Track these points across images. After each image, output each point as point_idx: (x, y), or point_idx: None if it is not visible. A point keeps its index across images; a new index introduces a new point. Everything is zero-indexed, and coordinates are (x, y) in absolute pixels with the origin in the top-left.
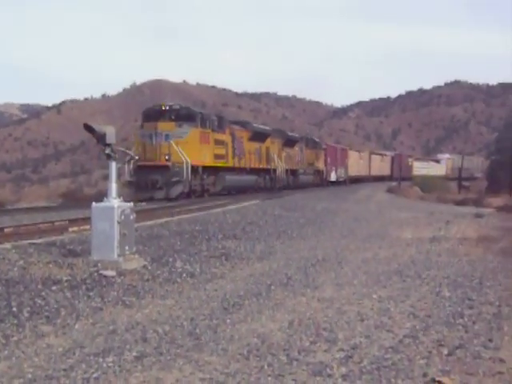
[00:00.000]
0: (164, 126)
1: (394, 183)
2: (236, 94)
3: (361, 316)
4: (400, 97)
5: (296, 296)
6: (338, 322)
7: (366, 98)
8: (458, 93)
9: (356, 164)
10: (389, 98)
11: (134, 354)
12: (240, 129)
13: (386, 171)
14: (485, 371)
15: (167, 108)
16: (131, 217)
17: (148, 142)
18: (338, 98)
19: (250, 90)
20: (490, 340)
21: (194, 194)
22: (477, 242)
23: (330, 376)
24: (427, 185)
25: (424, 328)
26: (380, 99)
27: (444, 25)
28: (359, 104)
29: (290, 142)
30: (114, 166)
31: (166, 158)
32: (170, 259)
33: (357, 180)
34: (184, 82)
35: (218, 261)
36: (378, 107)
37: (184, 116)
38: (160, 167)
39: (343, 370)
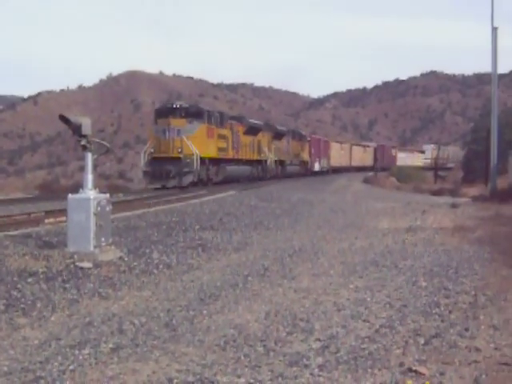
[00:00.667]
0: (176, 122)
1: (370, 173)
2: (212, 84)
3: (337, 306)
4: (376, 87)
5: (273, 287)
6: (315, 312)
7: (343, 89)
8: (433, 83)
9: (338, 155)
10: (365, 88)
11: (111, 345)
12: (237, 123)
13: (369, 162)
14: (461, 360)
15: (178, 106)
16: (107, 208)
17: (162, 137)
18: (315, 89)
19: (227, 80)
20: (466, 329)
21: (201, 182)
22: (453, 232)
23: (306, 366)
24: (403, 175)
25: (400, 318)
26: (356, 90)
27: (420, 16)
28: (336, 95)
29: (278, 135)
30: (89, 157)
31: (179, 150)
32: (147, 250)
33: (338, 170)
34: (160, 72)
35: (195, 252)
36: (354, 98)
37: (193, 113)
38: (173, 159)
39: (320, 360)
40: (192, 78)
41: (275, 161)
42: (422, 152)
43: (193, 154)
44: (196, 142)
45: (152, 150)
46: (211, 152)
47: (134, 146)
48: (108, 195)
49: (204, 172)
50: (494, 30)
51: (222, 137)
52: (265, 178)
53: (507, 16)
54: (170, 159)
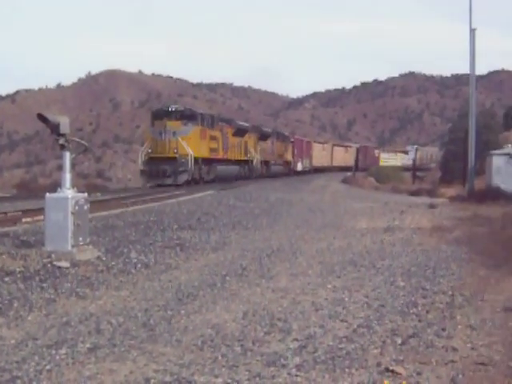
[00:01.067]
0: (172, 125)
1: (349, 173)
2: (192, 84)
3: (315, 306)
4: (355, 88)
5: (251, 286)
6: (293, 312)
7: (322, 89)
8: (412, 84)
9: (320, 155)
10: (344, 88)
11: (88, 345)
12: (226, 125)
13: (351, 162)
14: (438, 360)
15: (174, 109)
16: (85, 207)
17: (158, 138)
18: (294, 89)
19: (206, 80)
20: (443, 329)
21: (194, 181)
22: (430, 232)
23: (284, 366)
24: (382, 175)
25: (378, 317)
26: (335, 90)
27: (399, 17)
28: (315, 95)
29: (263, 137)
30: (67, 156)
31: (174, 151)
32: (125, 250)
33: (320, 170)
34: (139, 72)
35: (173, 251)
36: (333, 98)
37: (188, 116)
38: (169, 159)
39: (297, 360)
40: (171, 77)
41: (261, 161)
42: (406, 153)
43: (187, 154)
44: (190, 143)
45: (149, 150)
46: (204, 152)
47: (113, 145)
48: (86, 194)
49: (197, 171)
50: (472, 31)
51: (213, 138)
52: (251, 177)
53: (486, 18)
54: (166, 159)
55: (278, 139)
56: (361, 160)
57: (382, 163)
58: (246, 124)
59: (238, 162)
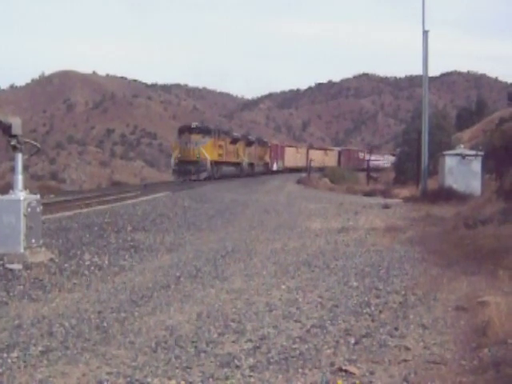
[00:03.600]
0: (194, 137)
1: (303, 174)
2: (146, 85)
3: (269, 307)
4: (310, 89)
5: (205, 288)
6: (247, 313)
7: (277, 90)
8: (366, 85)
9: (293, 157)
10: (299, 90)
11: (40, 348)
12: (226, 136)
13: (332, 163)
14: (390, 359)
15: (195, 126)
16: (38, 209)
17: (184, 147)
18: (249, 90)
19: (161, 81)
20: (396, 328)
21: (210, 178)
22: (384, 232)
23: (237, 367)
24: (337, 176)
25: (332, 318)
26: (290, 91)
27: (353, 19)
28: (270, 96)
29: (249, 143)
30: (19, 157)
31: (197, 156)
32: (78, 252)
33: (295, 170)
34: (94, 72)
35: (127, 253)
36: (288, 99)
37: (205, 131)
38: (193, 161)
39: (251, 360)
40: (126, 78)
41: (247, 163)
42: (394, 155)
43: (206, 158)
44: (207, 150)
45: (179, 155)
46: (215, 157)
47: (67, 146)
48: (39, 196)
49: (212, 170)
50: (425, 33)
51: (220, 146)
52: (241, 175)
53: (439, 20)
54: (191, 162)
55: (259, 145)
56: (343, 162)
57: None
58: (238, 134)
59: (233, 164)
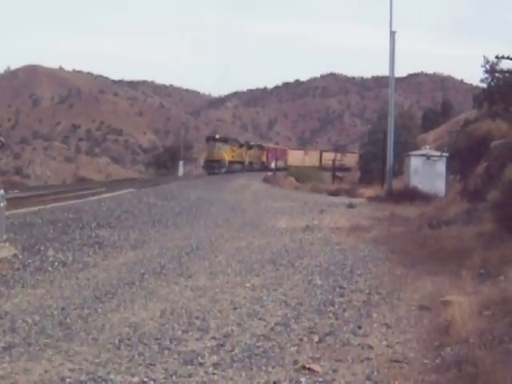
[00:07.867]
0: (218, 144)
1: (269, 173)
2: (113, 81)
3: (233, 304)
4: (277, 88)
5: (169, 285)
6: (211, 310)
7: (244, 89)
8: (333, 85)
9: (299, 158)
10: (266, 88)
11: (2, 344)
12: (236, 143)
13: (311, 163)
14: (353, 357)
15: (218, 137)
16: (1, 204)
17: (211, 150)
18: (216, 88)
19: (127, 77)
20: (360, 327)
21: (227, 172)
22: (349, 232)
23: (201, 364)
24: (302, 175)
25: (295, 316)
26: (257, 90)
27: (321, 18)
28: (236, 94)
29: (250, 147)
30: None
31: (220, 157)
32: (42, 248)
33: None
34: (60, 67)
35: (91, 249)
36: (254, 98)
37: (224, 140)
38: (217, 161)
39: (215, 358)
40: (92, 74)
41: (249, 162)
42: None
43: (225, 159)
44: (226, 153)
45: (207, 156)
46: (230, 157)
47: (32, 141)
48: (2, 191)
49: (228, 168)
50: (392, 33)
51: (232, 150)
52: (243, 170)
53: (406, 21)
54: (215, 161)
55: (258, 148)
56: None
57: None
58: (242, 141)
59: (240, 162)
